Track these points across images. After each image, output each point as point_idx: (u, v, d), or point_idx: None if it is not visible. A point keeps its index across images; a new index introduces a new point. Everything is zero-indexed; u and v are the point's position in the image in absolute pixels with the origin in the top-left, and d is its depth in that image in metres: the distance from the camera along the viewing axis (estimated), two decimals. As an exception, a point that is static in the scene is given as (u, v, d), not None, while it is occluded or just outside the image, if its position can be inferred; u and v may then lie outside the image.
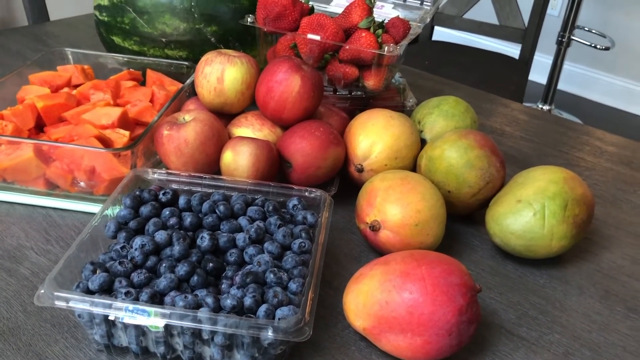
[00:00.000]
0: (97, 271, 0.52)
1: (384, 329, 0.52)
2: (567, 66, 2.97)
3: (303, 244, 0.57)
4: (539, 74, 2.95)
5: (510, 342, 0.58)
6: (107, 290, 0.51)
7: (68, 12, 1.40)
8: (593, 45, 2.60)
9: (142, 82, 0.90)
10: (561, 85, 3.02)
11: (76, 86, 0.86)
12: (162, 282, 0.51)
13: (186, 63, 0.89)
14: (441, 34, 2.94)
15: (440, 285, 0.51)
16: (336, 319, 0.59)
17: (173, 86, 0.87)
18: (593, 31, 2.69)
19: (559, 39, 2.50)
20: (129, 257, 0.54)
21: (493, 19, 2.04)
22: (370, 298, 0.53)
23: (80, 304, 0.48)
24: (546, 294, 0.65)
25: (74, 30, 1.28)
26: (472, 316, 0.52)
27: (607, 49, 2.59)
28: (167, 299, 0.50)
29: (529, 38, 1.98)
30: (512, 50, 2.72)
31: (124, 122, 0.76)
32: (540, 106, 2.73)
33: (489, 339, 0.58)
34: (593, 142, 0.99)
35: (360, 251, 0.69)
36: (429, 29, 2.17)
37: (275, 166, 0.69)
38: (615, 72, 2.92)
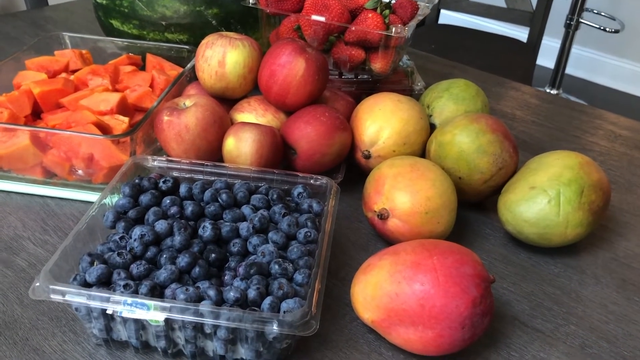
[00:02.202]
0: (95, 263, 0.50)
1: (394, 322, 0.50)
2: (576, 50, 2.92)
3: (309, 234, 0.55)
4: (546, 58, 2.90)
5: (525, 334, 0.56)
6: (105, 282, 0.49)
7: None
8: (602, 28, 2.54)
9: (142, 67, 0.87)
10: (569, 70, 2.97)
11: (74, 71, 0.83)
12: (163, 274, 0.49)
13: (187, 47, 0.86)
14: (448, 17, 2.89)
15: (452, 276, 0.49)
16: (344, 311, 0.57)
17: (173, 71, 0.84)
18: (602, 14, 2.63)
19: (567, 21, 2.45)
20: (127, 248, 0.52)
21: (500, 2, 1.99)
22: (379, 290, 0.51)
23: (76, 297, 0.46)
24: (561, 284, 0.62)
25: (73, 15, 1.25)
26: (485, 308, 0.49)
27: (616, 31, 2.54)
28: (168, 291, 0.48)
29: (537, 21, 1.94)
30: (520, 33, 2.68)
31: (123, 108, 0.73)
32: (548, 91, 2.68)
33: (502, 331, 0.56)
34: (606, 126, 0.96)
35: (368, 240, 0.67)
36: (436, 12, 2.13)
37: (279, 153, 0.67)
38: (625, 56, 2.86)
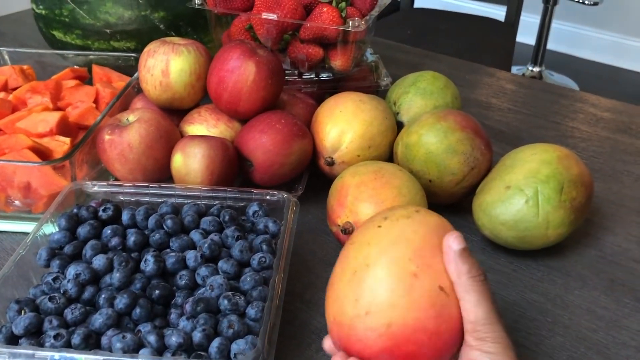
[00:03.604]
0: (24, 311, 0.45)
1: None
2: (556, 25, 2.87)
3: (263, 259, 0.50)
4: (527, 35, 2.85)
5: (507, 351, 0.51)
6: (36, 332, 0.44)
7: (18, 6, 1.30)
8: (581, 1, 2.49)
9: (89, 80, 0.81)
10: (551, 45, 2.92)
11: (15, 90, 0.77)
12: (98, 320, 0.44)
13: (133, 55, 0.80)
14: (423, 0, 2.83)
15: None
16: (309, 339, 0.52)
17: (122, 82, 0.78)
18: (580, -14, 2.58)
19: (546, -4, 2.40)
20: (62, 290, 0.47)
21: (475, -19, 1.94)
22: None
23: (-5, 357, 0.40)
24: (545, 290, 0.58)
25: (22, 26, 1.19)
26: None
27: (595, 4, 2.49)
28: (104, 339, 0.43)
29: (513, -2, 1.89)
30: (498, 12, 2.62)
31: (64, 127, 0.67)
32: (530, 68, 2.64)
33: (482, 350, 0.51)
34: (587, 109, 0.91)
35: (336, 255, 0.61)
36: (410, -4, 2.07)
37: (233, 167, 0.62)
38: (605, 28, 2.82)
